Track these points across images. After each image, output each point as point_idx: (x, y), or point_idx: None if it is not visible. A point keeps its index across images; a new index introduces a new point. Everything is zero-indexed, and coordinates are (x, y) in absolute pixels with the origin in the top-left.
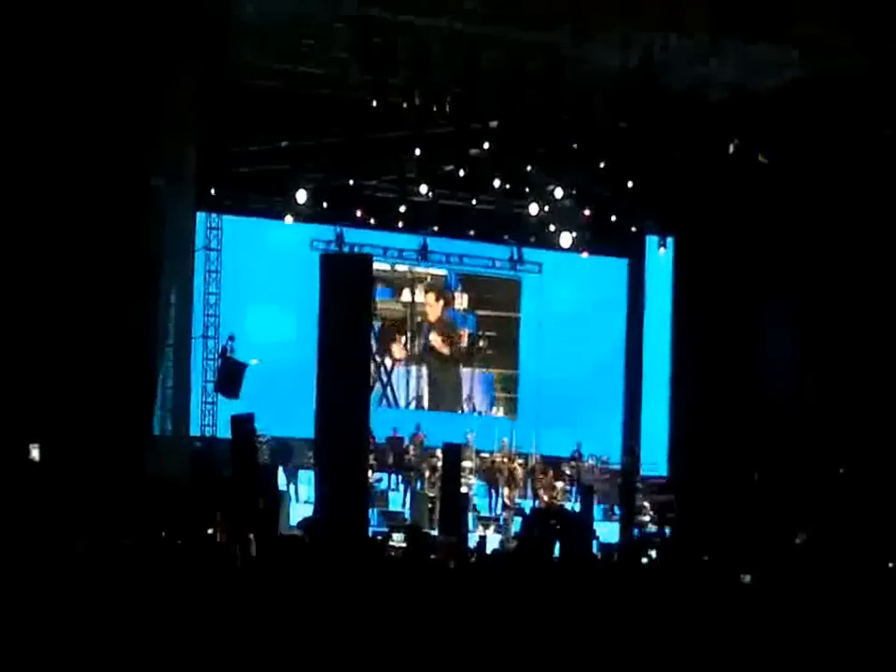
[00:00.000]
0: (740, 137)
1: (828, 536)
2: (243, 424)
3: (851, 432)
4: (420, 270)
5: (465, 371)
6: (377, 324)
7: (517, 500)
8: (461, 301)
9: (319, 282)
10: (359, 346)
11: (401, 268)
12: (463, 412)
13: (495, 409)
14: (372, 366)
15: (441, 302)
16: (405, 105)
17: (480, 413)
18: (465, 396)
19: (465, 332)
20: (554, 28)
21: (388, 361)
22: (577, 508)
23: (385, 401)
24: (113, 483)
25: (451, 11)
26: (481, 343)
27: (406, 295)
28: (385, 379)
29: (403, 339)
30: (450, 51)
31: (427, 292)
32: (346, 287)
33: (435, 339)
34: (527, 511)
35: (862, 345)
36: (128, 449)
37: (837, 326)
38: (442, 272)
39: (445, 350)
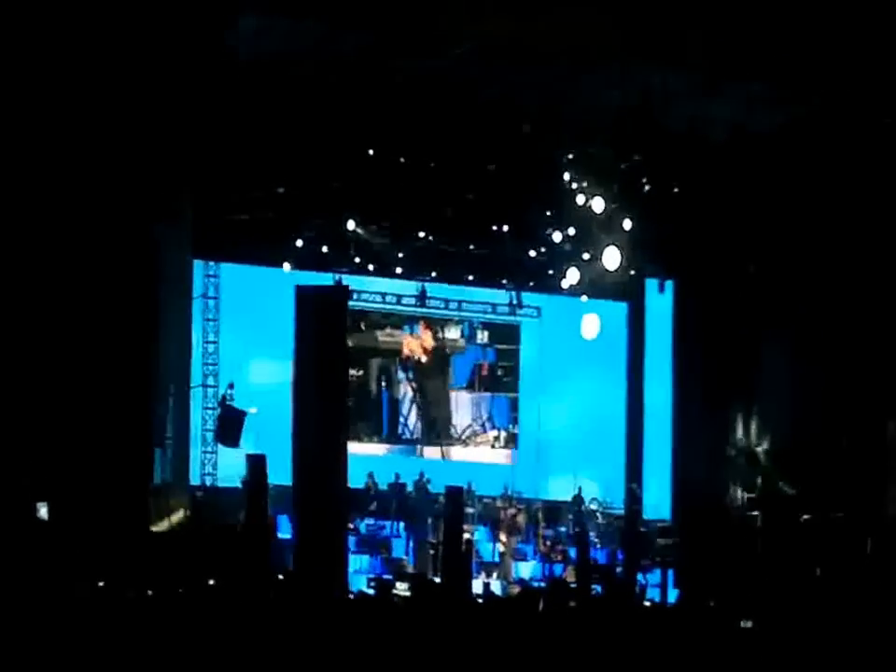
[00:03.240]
0: (740, 177)
1: (829, 581)
2: (258, 464)
3: (853, 474)
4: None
5: (485, 395)
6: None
7: (518, 545)
8: (482, 336)
9: (294, 317)
10: (334, 383)
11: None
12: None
13: (510, 426)
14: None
15: (430, 333)
16: (403, 160)
17: (499, 430)
18: (485, 416)
19: (486, 363)
20: (552, 67)
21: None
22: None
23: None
24: (115, 534)
25: (447, 52)
26: (498, 372)
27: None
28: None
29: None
30: (447, 93)
31: (425, 328)
32: (320, 321)
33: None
34: (529, 556)
35: (864, 385)
36: (129, 499)
37: (839, 367)
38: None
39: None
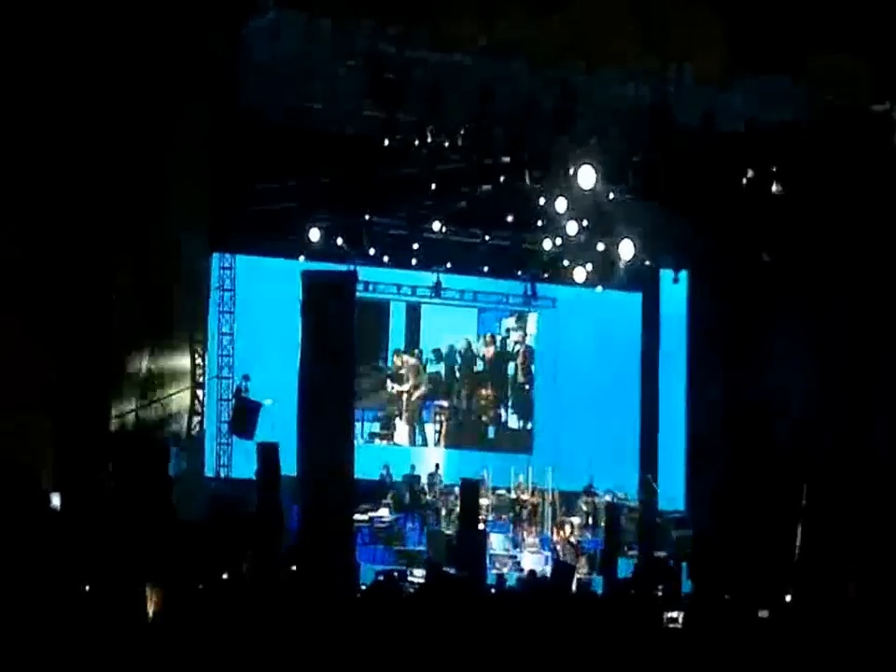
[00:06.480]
0: (754, 169)
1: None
2: (270, 452)
3: (871, 461)
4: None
5: None
6: None
7: (534, 537)
8: None
9: (301, 303)
10: (341, 372)
11: None
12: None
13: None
14: None
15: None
16: (417, 142)
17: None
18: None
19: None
20: (567, 62)
21: None
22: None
23: None
24: (132, 526)
25: (463, 47)
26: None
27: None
28: None
29: None
30: (462, 87)
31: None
32: (327, 307)
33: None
34: (544, 548)
35: (883, 375)
36: (148, 491)
37: (856, 357)
38: None
39: None
